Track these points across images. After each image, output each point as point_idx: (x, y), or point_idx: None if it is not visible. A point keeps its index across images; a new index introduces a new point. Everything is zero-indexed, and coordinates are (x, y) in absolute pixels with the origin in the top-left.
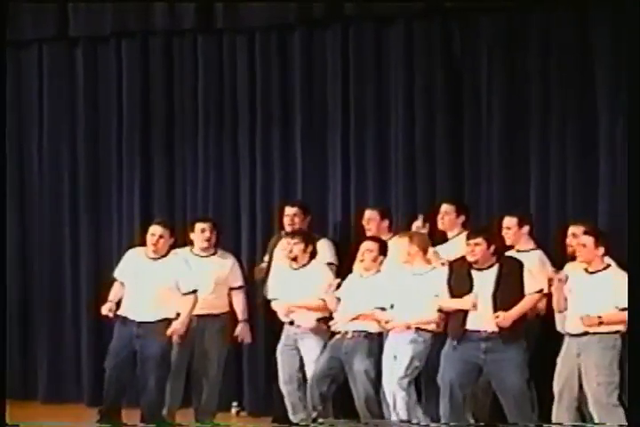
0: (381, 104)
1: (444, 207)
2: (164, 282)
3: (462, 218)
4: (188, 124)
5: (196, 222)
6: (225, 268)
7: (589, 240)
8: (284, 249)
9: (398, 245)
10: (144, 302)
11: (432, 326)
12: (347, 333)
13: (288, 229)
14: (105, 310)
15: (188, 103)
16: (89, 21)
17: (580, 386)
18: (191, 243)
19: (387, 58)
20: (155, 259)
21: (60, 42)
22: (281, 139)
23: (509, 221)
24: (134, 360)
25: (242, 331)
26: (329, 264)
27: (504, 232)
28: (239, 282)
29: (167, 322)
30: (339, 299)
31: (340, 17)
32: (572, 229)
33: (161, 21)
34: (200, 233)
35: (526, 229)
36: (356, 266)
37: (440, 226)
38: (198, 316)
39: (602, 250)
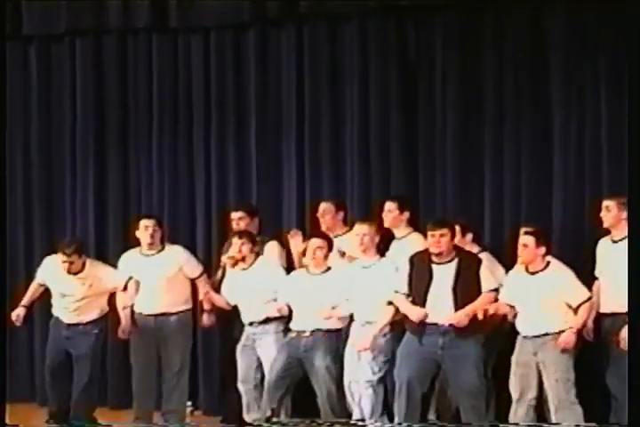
0: (336, 102)
1: (388, 205)
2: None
3: (406, 214)
4: (143, 122)
5: (140, 220)
6: (178, 261)
7: (530, 240)
8: (231, 250)
9: (363, 232)
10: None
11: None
12: (304, 331)
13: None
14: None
15: (142, 102)
16: (43, 20)
17: (539, 384)
18: (139, 244)
19: (341, 56)
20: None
21: (14, 40)
22: (236, 137)
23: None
24: (69, 361)
25: (207, 320)
26: None
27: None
28: (198, 271)
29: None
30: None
31: (294, 15)
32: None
33: (115, 20)
34: (144, 230)
35: (469, 236)
36: (307, 262)
37: (385, 224)
38: (156, 315)
39: (543, 250)
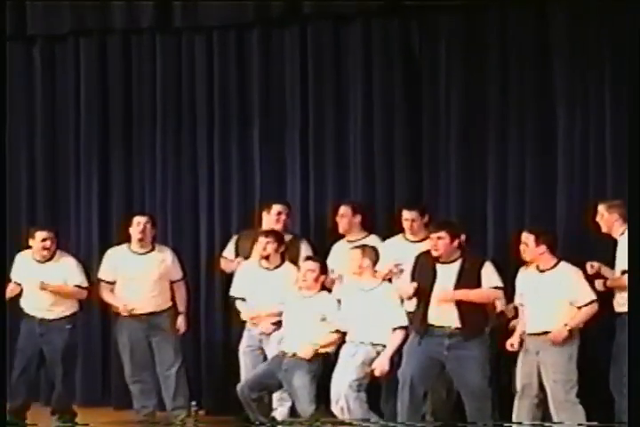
0: (340, 103)
1: (407, 214)
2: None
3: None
4: (146, 123)
5: (133, 217)
6: (166, 262)
7: (530, 238)
8: (256, 248)
9: (351, 258)
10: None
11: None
12: (287, 352)
13: (277, 227)
14: None
15: (146, 102)
16: (47, 20)
17: (540, 384)
18: (130, 240)
19: (345, 56)
20: (42, 262)
21: (18, 40)
22: (239, 138)
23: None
24: (41, 358)
25: (181, 323)
26: None
27: None
28: (180, 274)
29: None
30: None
31: (298, 16)
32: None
33: (119, 20)
34: (136, 226)
35: (542, 247)
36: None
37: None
38: (143, 315)
39: (542, 248)
